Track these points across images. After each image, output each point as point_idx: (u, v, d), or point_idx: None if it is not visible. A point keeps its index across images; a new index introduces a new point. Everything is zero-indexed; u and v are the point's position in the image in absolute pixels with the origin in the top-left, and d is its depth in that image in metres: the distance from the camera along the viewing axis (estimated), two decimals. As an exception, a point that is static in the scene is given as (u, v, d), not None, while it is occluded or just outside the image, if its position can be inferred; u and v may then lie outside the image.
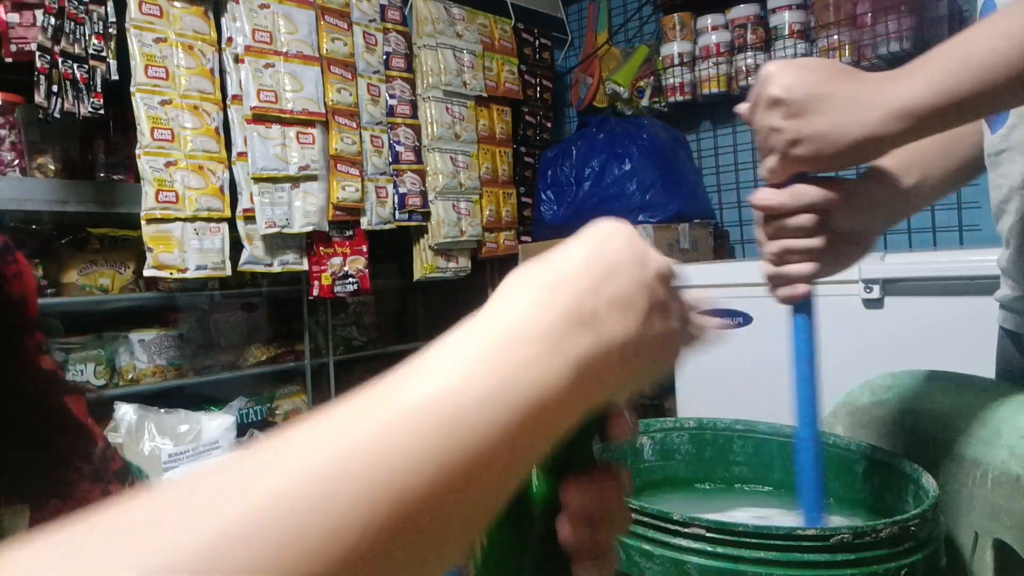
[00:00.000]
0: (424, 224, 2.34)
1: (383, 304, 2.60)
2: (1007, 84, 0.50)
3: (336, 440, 0.22)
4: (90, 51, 1.63)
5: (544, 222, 2.51)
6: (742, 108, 0.63)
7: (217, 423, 1.73)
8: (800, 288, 0.61)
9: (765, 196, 0.60)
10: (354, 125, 2.12)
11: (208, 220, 1.84)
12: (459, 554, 0.25)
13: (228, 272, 1.90)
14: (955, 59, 0.52)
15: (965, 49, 0.51)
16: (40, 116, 1.61)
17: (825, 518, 0.61)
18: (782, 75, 0.57)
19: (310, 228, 2.00)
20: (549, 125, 2.77)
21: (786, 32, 2.16)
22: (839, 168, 0.58)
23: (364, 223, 2.16)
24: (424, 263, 2.37)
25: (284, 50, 1.96)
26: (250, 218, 1.91)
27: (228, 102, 1.91)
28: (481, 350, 0.26)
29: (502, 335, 0.26)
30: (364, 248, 2.16)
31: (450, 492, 0.23)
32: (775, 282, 0.62)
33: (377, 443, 0.22)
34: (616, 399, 0.31)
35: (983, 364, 0.75)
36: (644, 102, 2.53)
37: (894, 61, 1.95)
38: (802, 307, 0.61)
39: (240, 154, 1.91)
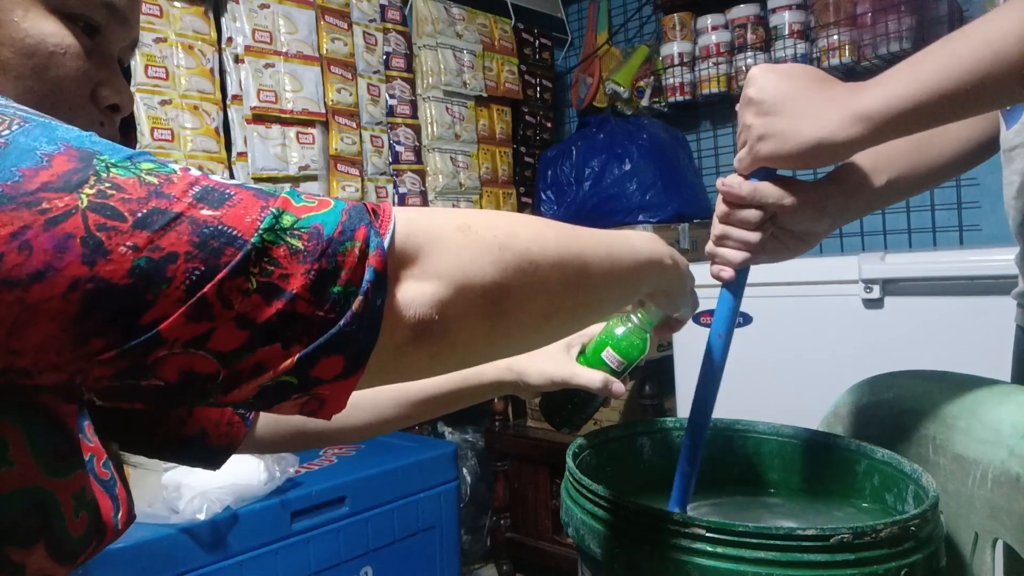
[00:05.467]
0: (424, 224, 2.34)
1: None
2: (953, 98, 0.54)
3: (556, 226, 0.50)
4: (90, 51, 1.63)
5: (544, 222, 2.50)
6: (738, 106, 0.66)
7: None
8: (727, 271, 0.67)
9: (732, 183, 0.65)
10: (354, 125, 2.12)
11: (208, 220, 1.84)
12: (591, 317, 0.52)
13: (228, 272, 1.90)
14: (909, 73, 0.55)
15: (920, 64, 0.55)
16: (40, 116, 1.61)
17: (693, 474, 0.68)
18: (762, 77, 0.62)
19: (310, 228, 2.00)
20: (549, 125, 2.77)
21: (786, 32, 2.16)
22: (799, 168, 0.61)
23: (364, 223, 2.16)
24: (424, 263, 2.37)
25: (284, 50, 1.96)
26: (250, 218, 1.91)
27: (228, 102, 1.91)
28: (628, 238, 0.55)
29: (633, 239, 0.56)
30: (364, 248, 2.16)
31: (598, 274, 0.50)
32: (711, 258, 0.69)
33: (592, 233, 0.51)
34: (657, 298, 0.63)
35: (984, 364, 0.75)
36: (644, 102, 2.53)
37: (894, 61, 1.93)
38: (729, 285, 0.68)
39: (240, 154, 1.91)
